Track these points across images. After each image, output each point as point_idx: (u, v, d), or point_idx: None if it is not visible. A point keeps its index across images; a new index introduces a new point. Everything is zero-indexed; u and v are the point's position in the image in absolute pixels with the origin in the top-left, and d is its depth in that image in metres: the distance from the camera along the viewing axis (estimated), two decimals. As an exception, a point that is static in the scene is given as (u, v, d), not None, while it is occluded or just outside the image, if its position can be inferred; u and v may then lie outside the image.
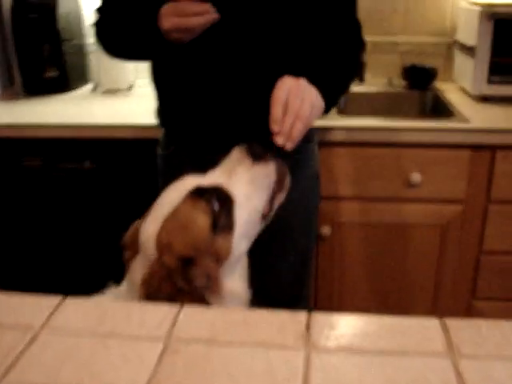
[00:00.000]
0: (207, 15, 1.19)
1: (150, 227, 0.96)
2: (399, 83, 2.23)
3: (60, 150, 1.84)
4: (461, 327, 0.70)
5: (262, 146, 1.07)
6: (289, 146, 1.11)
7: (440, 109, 2.00)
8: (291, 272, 1.53)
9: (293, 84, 1.15)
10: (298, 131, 1.12)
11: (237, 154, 1.04)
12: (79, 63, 2.29)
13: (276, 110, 1.11)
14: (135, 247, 0.99)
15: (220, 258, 0.97)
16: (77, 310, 0.75)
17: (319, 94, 1.20)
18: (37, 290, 0.84)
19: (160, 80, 1.43)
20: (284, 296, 1.56)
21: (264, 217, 1.05)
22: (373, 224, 1.83)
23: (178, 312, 0.74)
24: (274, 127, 1.10)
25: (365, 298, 1.94)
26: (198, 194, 0.96)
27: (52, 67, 2.16)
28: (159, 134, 1.49)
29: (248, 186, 1.00)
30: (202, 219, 0.94)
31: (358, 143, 1.73)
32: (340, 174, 1.77)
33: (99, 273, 1.92)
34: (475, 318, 1.72)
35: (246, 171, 1.01)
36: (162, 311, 0.74)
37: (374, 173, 1.76)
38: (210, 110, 1.35)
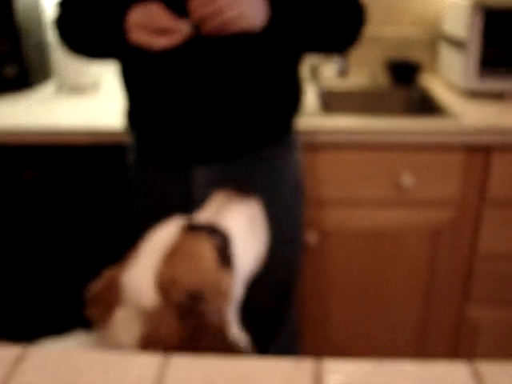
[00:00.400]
0: (178, 34, 1.08)
1: (142, 270, 0.85)
2: (383, 79, 2.14)
3: (20, 157, 1.70)
4: (495, 373, 0.60)
5: (245, 185, 1.03)
6: (207, 28, 1.07)
7: (428, 105, 1.91)
8: (275, 289, 1.44)
9: None
10: (230, 16, 1.06)
11: (221, 194, 0.99)
12: (40, 59, 2.12)
13: None
14: (109, 302, 0.86)
15: (227, 297, 0.89)
16: (41, 364, 0.63)
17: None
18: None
19: (129, 79, 1.33)
20: (267, 313, 1.48)
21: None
22: (361, 230, 1.74)
23: (166, 363, 0.64)
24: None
25: (353, 309, 1.85)
26: (197, 229, 0.89)
27: (11, 64, 2.00)
28: (129, 138, 1.39)
29: (242, 222, 0.96)
30: (207, 251, 0.87)
31: (343, 145, 1.64)
32: (326, 178, 1.68)
33: (65, 304, 1.82)
34: (468, 326, 1.66)
35: (240, 208, 0.97)
36: (146, 363, 0.64)
37: (362, 176, 1.67)
38: (184, 110, 1.25)
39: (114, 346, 0.82)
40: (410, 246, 1.74)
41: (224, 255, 0.89)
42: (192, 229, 0.89)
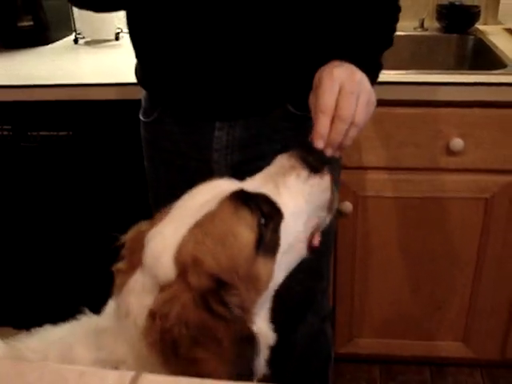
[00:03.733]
0: None
1: (168, 236, 0.72)
2: (433, 25, 1.96)
3: (32, 115, 1.59)
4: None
5: (319, 156, 0.87)
6: (337, 154, 0.92)
7: (485, 57, 1.73)
8: (306, 264, 1.30)
9: (344, 80, 0.90)
10: (352, 140, 0.91)
11: (286, 161, 0.84)
12: (60, 11, 2.00)
13: (322, 123, 0.89)
14: (133, 259, 0.75)
15: (260, 285, 0.75)
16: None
17: (369, 81, 0.95)
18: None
19: (138, 32, 1.20)
20: (298, 290, 1.35)
21: (311, 250, 0.86)
22: (404, 198, 1.58)
23: None
24: (319, 143, 0.88)
25: (392, 286, 1.71)
26: (241, 199, 0.74)
27: (27, 16, 1.89)
28: (142, 95, 1.27)
29: (301, 201, 0.81)
30: (246, 232, 0.72)
31: (385, 102, 1.45)
32: (364, 139, 1.52)
33: (76, 281, 1.74)
34: None
35: (301, 183, 0.81)
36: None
37: (406, 138, 1.50)
38: (198, 65, 1.10)
39: (127, 330, 0.70)
40: (459, 216, 1.58)
41: (268, 239, 0.74)
42: (237, 198, 0.74)
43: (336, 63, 0.94)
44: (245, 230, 0.72)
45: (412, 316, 1.74)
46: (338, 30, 1.18)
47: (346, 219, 1.60)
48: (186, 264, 0.69)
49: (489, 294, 1.68)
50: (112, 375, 0.55)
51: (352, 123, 0.89)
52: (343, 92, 0.89)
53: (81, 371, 0.56)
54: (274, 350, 1.47)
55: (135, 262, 0.73)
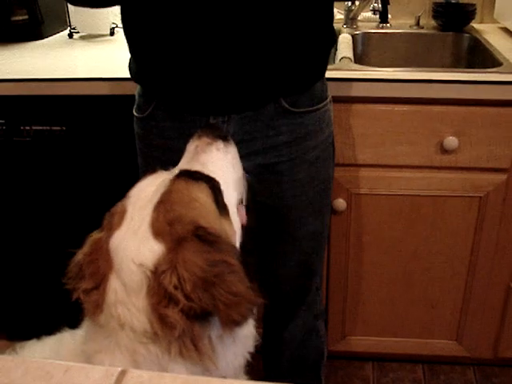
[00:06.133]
0: None
1: (136, 229, 0.73)
2: (429, 24, 1.95)
3: (25, 109, 1.58)
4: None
5: (220, 127, 1.00)
6: None
7: (481, 55, 1.72)
8: (300, 260, 1.32)
9: None
10: None
11: (199, 142, 0.92)
12: (54, 5, 1.99)
13: None
14: (96, 273, 0.74)
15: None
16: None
17: None
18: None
19: (132, 27, 1.19)
20: (290, 287, 1.36)
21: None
22: (397, 196, 1.57)
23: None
24: None
25: (386, 283, 1.70)
26: (186, 176, 0.82)
27: (21, 10, 1.88)
28: (136, 89, 1.26)
29: (230, 169, 0.91)
30: (205, 197, 0.79)
31: (380, 99, 1.46)
32: (358, 136, 1.50)
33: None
34: None
35: (222, 154, 0.91)
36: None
37: (400, 135, 1.49)
38: (192, 59, 1.10)
39: (108, 333, 0.70)
40: (453, 214, 1.57)
41: (221, 202, 0.81)
42: (183, 176, 0.80)
43: None
44: (203, 195, 0.78)
45: (405, 314, 1.74)
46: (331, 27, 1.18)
47: (339, 217, 1.59)
48: (166, 230, 0.71)
49: (482, 292, 1.67)
50: (97, 370, 0.54)
51: None
52: None
53: (66, 366, 0.55)
54: (266, 346, 1.47)
55: (99, 275, 0.73)
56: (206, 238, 0.70)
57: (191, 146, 0.91)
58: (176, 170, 0.84)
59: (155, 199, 0.75)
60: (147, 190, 0.78)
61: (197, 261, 0.67)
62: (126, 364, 0.69)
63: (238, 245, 0.83)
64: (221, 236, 0.74)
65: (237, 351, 0.77)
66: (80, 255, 0.78)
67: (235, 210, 0.86)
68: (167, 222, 0.71)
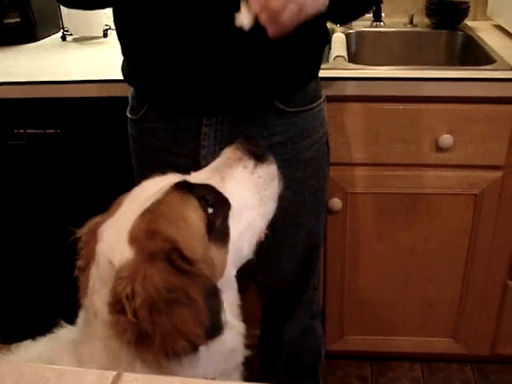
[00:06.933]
0: None
1: (119, 226, 0.73)
2: (422, 22, 1.94)
3: (19, 112, 1.57)
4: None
5: (261, 142, 0.89)
6: (271, 30, 0.88)
7: (474, 53, 1.72)
8: (296, 260, 1.32)
9: None
10: (290, 17, 0.87)
11: (232, 153, 0.85)
12: (47, 7, 1.98)
13: None
14: (89, 254, 0.75)
15: (215, 273, 0.75)
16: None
17: None
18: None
19: (125, 28, 1.18)
20: (287, 287, 1.36)
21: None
22: (393, 195, 1.57)
23: None
24: (255, 5, 0.85)
25: (382, 282, 1.70)
26: (186, 188, 0.75)
27: (13, 12, 1.87)
28: (130, 91, 1.26)
29: (249, 191, 0.83)
30: (195, 218, 0.73)
31: (374, 97, 1.46)
32: (353, 134, 1.50)
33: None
34: (511, 302, 1.49)
35: (247, 174, 0.83)
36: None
37: (395, 134, 1.49)
38: (184, 60, 1.09)
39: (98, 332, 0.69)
40: (448, 212, 1.57)
41: (218, 224, 0.75)
42: (181, 187, 0.75)
43: None
44: (194, 216, 0.73)
45: (402, 312, 1.74)
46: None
47: (335, 216, 1.59)
48: (141, 239, 0.69)
49: (479, 290, 1.67)
50: (92, 375, 0.54)
51: None
52: None
53: (61, 371, 0.55)
54: (263, 346, 1.47)
55: (91, 257, 0.73)
56: (176, 262, 0.67)
57: (223, 156, 0.86)
58: (181, 178, 0.79)
59: (147, 204, 0.73)
60: (148, 191, 0.76)
61: (156, 281, 0.65)
62: (102, 356, 0.70)
63: (230, 274, 0.78)
64: (197, 265, 0.70)
65: (217, 360, 0.75)
66: (80, 234, 0.78)
67: (247, 232, 0.81)
68: (146, 232, 0.69)
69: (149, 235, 0.69)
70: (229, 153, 0.85)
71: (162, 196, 0.73)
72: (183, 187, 0.75)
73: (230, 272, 0.78)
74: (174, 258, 0.68)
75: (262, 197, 0.83)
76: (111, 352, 0.68)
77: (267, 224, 0.86)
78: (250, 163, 0.83)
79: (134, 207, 0.74)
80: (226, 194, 0.79)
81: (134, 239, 0.70)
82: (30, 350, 0.80)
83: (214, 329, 0.68)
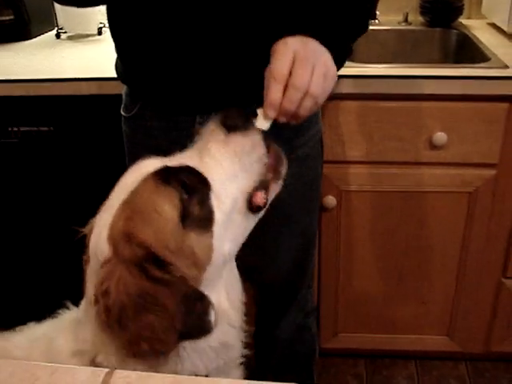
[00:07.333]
0: None
1: (103, 219, 0.74)
2: (417, 20, 1.94)
3: (12, 110, 1.56)
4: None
5: (242, 112, 0.82)
6: (291, 123, 0.89)
7: (469, 51, 1.71)
8: (290, 258, 1.32)
9: (299, 48, 0.87)
10: (307, 111, 0.87)
11: (210, 127, 0.81)
12: (41, 5, 1.97)
13: (274, 91, 0.85)
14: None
15: (198, 261, 0.73)
16: None
17: (331, 56, 0.91)
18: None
19: (119, 26, 1.17)
20: (281, 284, 1.36)
21: (255, 209, 0.81)
22: (387, 193, 1.57)
23: None
24: (270, 112, 0.84)
25: (377, 280, 1.70)
26: (162, 176, 0.74)
27: (7, 10, 1.86)
28: (123, 89, 1.25)
29: (228, 166, 0.78)
30: (167, 208, 0.71)
31: (369, 95, 1.46)
32: (347, 132, 1.50)
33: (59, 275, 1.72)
34: (507, 299, 1.50)
35: (222, 147, 0.79)
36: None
37: (389, 132, 1.48)
38: (178, 59, 1.08)
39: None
40: (442, 210, 1.57)
41: (196, 210, 0.73)
42: (158, 175, 0.74)
43: (291, 36, 0.91)
44: (166, 206, 0.71)
45: (397, 310, 1.74)
46: (317, 19, 1.17)
47: (329, 214, 1.59)
48: (117, 240, 0.69)
49: (473, 287, 1.67)
50: (84, 372, 0.54)
51: (307, 93, 0.85)
52: (297, 59, 0.85)
53: (53, 369, 0.55)
54: (258, 343, 1.47)
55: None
56: (148, 270, 0.68)
57: (208, 129, 0.82)
58: (161, 163, 0.77)
59: (124, 194, 0.73)
60: (126, 180, 0.76)
61: (128, 286, 0.66)
62: (94, 339, 0.71)
63: (222, 258, 0.76)
64: (172, 268, 0.69)
65: (207, 355, 0.75)
66: (86, 231, 0.79)
67: (235, 208, 0.78)
68: (122, 233, 0.70)
69: (124, 237, 0.69)
70: (206, 128, 0.82)
71: (137, 186, 0.73)
72: (160, 174, 0.74)
73: (221, 253, 0.76)
74: (147, 266, 0.68)
75: (245, 166, 0.79)
76: (99, 338, 0.70)
77: (269, 202, 0.83)
78: (222, 135, 0.79)
79: (116, 199, 0.74)
80: (206, 174, 0.76)
81: (112, 238, 0.70)
82: (34, 330, 0.82)
83: (197, 331, 0.69)
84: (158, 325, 0.66)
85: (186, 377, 0.55)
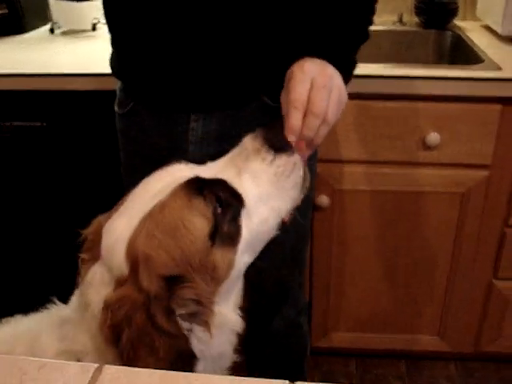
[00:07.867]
0: None
1: (120, 228, 0.70)
2: (412, 21, 1.95)
3: (4, 104, 1.55)
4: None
5: (283, 134, 0.83)
6: (307, 153, 0.88)
7: (463, 53, 1.72)
8: (282, 257, 1.31)
9: (316, 75, 0.88)
10: (321, 138, 0.88)
11: (251, 143, 0.78)
12: (36, 2, 1.96)
13: (295, 118, 0.85)
14: (95, 251, 0.73)
15: (218, 277, 0.72)
16: None
17: (341, 78, 0.93)
18: None
19: (115, 20, 1.16)
20: (273, 282, 1.36)
21: (279, 226, 0.82)
22: (380, 192, 1.57)
23: None
24: (291, 138, 0.84)
25: (369, 279, 1.70)
26: (195, 187, 0.71)
27: (1, 4, 1.85)
28: (117, 85, 1.24)
29: (266, 186, 0.77)
30: (198, 223, 0.69)
31: (363, 95, 1.45)
32: (341, 132, 1.50)
33: (45, 272, 1.72)
34: (497, 299, 1.51)
35: (265, 166, 0.77)
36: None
37: (383, 131, 1.49)
38: (173, 56, 1.08)
39: (87, 320, 0.70)
40: (435, 210, 1.58)
41: (226, 227, 0.71)
42: (190, 186, 0.70)
43: (307, 59, 0.93)
44: (197, 221, 0.69)
45: (388, 310, 1.74)
46: (313, 22, 1.17)
47: (322, 213, 1.59)
48: (137, 260, 0.67)
49: (464, 288, 1.68)
50: (73, 368, 0.53)
51: (324, 120, 0.86)
52: (315, 86, 0.87)
53: (41, 364, 0.55)
54: (249, 341, 1.46)
55: (96, 254, 0.72)
56: (157, 319, 0.66)
57: (241, 146, 0.80)
58: (193, 172, 0.74)
59: (149, 205, 0.69)
60: (151, 188, 0.73)
61: (137, 318, 0.65)
62: (86, 341, 0.70)
63: (238, 273, 0.76)
64: (179, 317, 0.69)
65: (202, 364, 0.74)
66: (86, 231, 0.77)
67: (263, 229, 0.77)
68: (143, 254, 0.67)
69: (144, 261, 0.67)
70: (247, 142, 0.79)
71: (167, 197, 0.69)
72: (192, 185, 0.71)
73: (240, 270, 0.76)
74: (157, 312, 0.66)
75: (281, 190, 0.78)
76: (94, 342, 0.69)
77: (288, 215, 0.82)
78: (269, 155, 0.77)
79: (137, 207, 0.71)
80: (241, 190, 0.74)
81: (131, 255, 0.67)
82: (20, 324, 0.80)
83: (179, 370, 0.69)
84: (148, 361, 0.65)
85: (172, 372, 0.55)
